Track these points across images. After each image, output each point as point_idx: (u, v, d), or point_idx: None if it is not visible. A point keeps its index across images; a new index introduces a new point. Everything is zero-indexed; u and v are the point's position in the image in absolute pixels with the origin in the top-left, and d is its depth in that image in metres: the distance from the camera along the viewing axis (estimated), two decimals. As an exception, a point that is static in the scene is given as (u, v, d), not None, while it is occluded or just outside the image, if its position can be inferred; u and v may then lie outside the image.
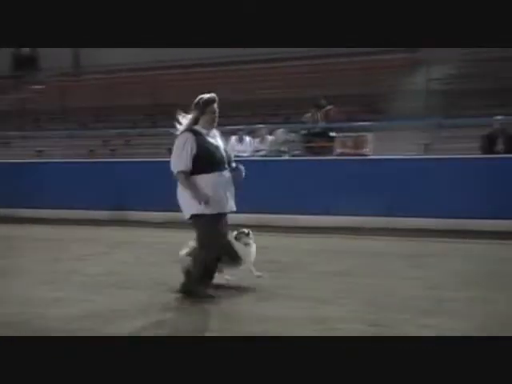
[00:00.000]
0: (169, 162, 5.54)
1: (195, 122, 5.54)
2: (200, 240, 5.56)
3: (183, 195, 5.52)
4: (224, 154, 5.64)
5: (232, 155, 5.89)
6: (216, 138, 5.66)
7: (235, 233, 6.08)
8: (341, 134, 12.77)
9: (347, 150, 12.31)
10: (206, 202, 5.36)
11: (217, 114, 5.55)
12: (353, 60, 16.83)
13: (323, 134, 13.24)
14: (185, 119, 5.60)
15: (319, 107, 13.72)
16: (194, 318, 5.04)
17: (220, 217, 5.54)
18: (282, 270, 6.79)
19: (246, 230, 6.13)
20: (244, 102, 16.26)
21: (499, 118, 11.23)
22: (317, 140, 13.23)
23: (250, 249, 6.08)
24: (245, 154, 12.68)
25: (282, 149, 12.67)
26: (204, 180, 5.42)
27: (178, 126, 5.62)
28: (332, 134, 12.99)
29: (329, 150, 12.59)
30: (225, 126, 14.59)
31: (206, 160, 5.44)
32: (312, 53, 16.21)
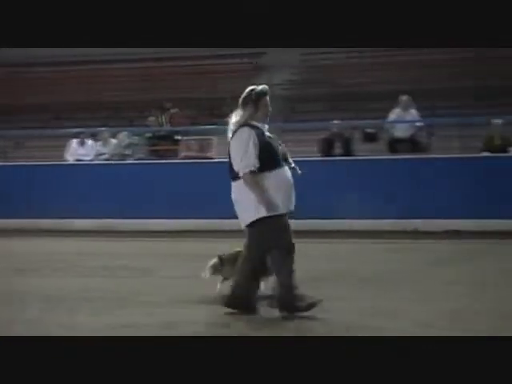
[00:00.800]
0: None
1: (250, 116, 4.99)
2: (276, 244, 4.95)
3: (247, 198, 4.91)
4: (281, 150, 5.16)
5: (287, 152, 5.28)
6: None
7: None
8: (186, 138, 12.75)
9: (192, 154, 12.31)
10: (273, 203, 4.85)
11: (270, 108, 5.07)
12: (197, 64, 16.95)
13: (168, 138, 13.14)
14: (236, 116, 5.05)
15: (164, 110, 13.61)
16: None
17: (286, 216, 5.02)
18: (130, 276, 6.64)
19: None
20: (86, 103, 15.74)
21: (336, 122, 11.77)
22: (162, 143, 13.10)
23: None
24: (87, 158, 12.29)
25: (126, 152, 12.37)
26: (270, 178, 4.90)
27: (231, 124, 5.08)
28: (177, 137, 12.92)
29: (174, 154, 12.52)
30: (65, 128, 14.28)
31: (269, 157, 4.92)
32: (160, 55, 16.06)
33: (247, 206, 4.92)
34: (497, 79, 14.53)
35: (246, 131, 4.90)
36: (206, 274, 5.63)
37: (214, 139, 12.30)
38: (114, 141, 12.55)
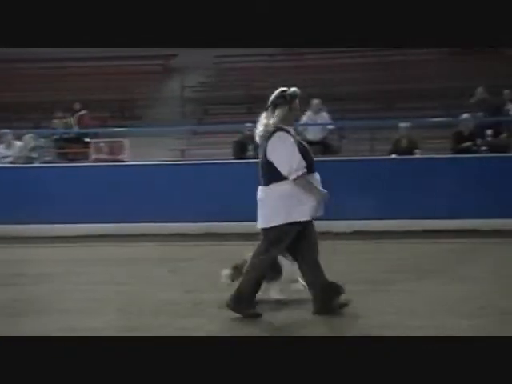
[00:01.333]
0: None
1: (284, 118, 4.83)
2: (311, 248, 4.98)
3: (281, 203, 4.81)
4: None
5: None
6: None
7: None
8: (96, 140, 12.49)
9: (103, 156, 12.04)
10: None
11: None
12: (108, 64, 16.63)
13: (77, 140, 12.80)
14: (267, 118, 4.86)
15: (73, 112, 13.27)
16: None
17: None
18: (27, 283, 6.37)
19: None
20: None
21: (249, 125, 11.80)
22: (71, 146, 12.75)
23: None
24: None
25: (33, 155, 11.91)
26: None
27: (260, 126, 4.91)
28: (87, 139, 12.61)
29: (84, 156, 12.22)
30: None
31: (308, 160, 4.81)
32: (69, 55, 15.61)
33: (278, 210, 4.81)
34: (403, 83, 15.09)
35: (284, 136, 4.77)
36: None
37: (126, 141, 12.10)
38: (18, 143, 12.06)
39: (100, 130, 13.11)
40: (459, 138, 11.06)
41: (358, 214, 9.38)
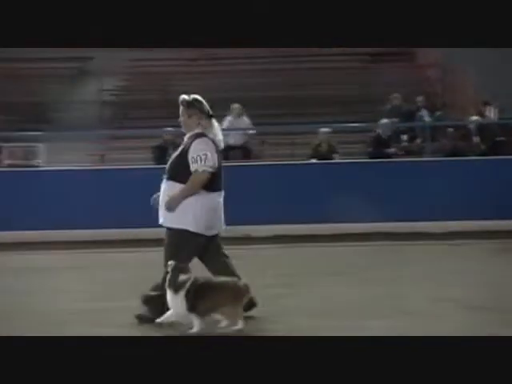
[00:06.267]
0: None
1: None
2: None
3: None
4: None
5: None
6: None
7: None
8: (8, 144, 12.18)
9: (17, 161, 11.75)
10: None
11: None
12: (20, 66, 16.18)
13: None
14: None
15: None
16: None
17: None
18: None
19: None
20: None
21: (169, 129, 11.77)
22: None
23: None
24: None
25: None
26: None
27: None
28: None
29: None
30: None
31: None
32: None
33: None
34: (319, 90, 15.46)
35: None
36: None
37: (40, 146, 11.84)
38: None
39: (13, 134, 12.73)
40: (378, 142, 11.48)
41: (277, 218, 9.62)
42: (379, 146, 11.30)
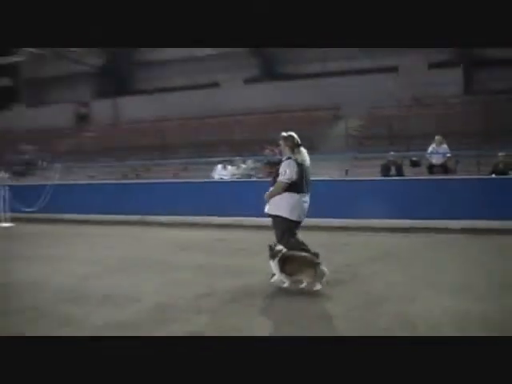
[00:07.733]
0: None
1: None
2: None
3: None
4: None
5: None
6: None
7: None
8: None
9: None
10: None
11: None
12: (301, 115, 20.07)
13: None
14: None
15: None
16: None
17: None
18: None
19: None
20: None
21: (392, 153, 14.05)
22: None
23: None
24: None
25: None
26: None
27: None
28: None
29: None
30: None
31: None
32: None
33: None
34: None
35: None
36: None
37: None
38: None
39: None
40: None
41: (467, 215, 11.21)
42: None
